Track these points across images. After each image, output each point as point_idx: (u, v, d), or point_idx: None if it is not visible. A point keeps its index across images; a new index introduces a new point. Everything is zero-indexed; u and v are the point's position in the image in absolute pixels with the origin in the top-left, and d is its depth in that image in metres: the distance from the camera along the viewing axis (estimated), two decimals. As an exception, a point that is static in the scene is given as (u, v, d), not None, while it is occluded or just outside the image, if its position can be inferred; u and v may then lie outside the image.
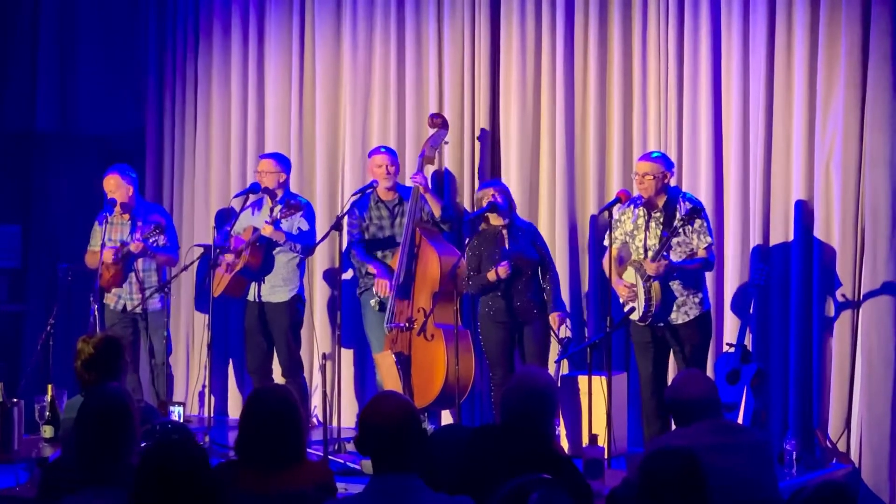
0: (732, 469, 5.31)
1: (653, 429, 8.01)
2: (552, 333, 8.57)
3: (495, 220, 8.52)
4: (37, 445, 7.04)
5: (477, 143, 9.51)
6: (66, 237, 10.20)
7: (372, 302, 9.03)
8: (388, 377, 8.73)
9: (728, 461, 5.29)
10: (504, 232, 8.52)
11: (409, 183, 9.19)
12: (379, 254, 9.03)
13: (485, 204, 8.48)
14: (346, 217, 8.84)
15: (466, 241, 8.67)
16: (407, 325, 8.68)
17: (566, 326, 8.64)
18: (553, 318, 8.52)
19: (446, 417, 9.24)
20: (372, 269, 8.97)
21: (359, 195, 8.93)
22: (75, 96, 10.53)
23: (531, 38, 9.33)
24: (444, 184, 9.54)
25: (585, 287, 9.20)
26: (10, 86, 10.54)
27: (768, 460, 5.63)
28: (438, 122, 9.14)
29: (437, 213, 8.89)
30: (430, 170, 9.31)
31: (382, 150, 9.17)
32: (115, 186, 9.26)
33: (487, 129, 9.47)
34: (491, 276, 8.36)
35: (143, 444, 4.86)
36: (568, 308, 9.01)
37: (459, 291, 8.49)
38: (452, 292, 8.37)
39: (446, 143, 9.21)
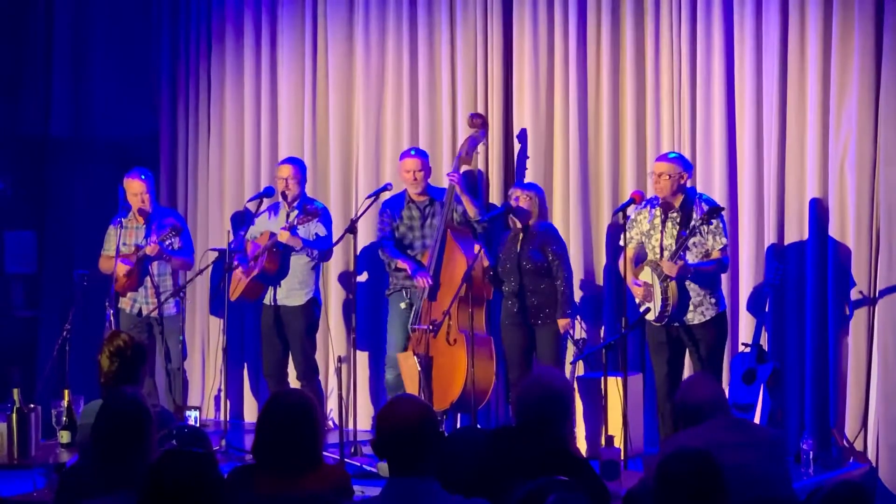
0: (745, 464, 5.31)
1: (669, 429, 7.99)
2: (568, 336, 8.57)
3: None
4: (54, 451, 7.04)
5: (493, 146, 9.48)
6: (81, 242, 10.20)
7: (402, 304, 8.99)
8: (409, 378, 8.69)
9: (741, 457, 5.28)
10: (521, 235, 8.53)
11: (442, 183, 9.16)
12: (409, 253, 8.99)
13: (515, 206, 8.50)
14: (358, 220, 8.79)
15: (478, 245, 8.66)
16: (430, 327, 8.61)
17: (580, 328, 8.62)
18: (560, 324, 8.50)
19: (463, 421, 9.23)
20: (402, 265, 8.87)
21: (373, 198, 8.89)
22: (89, 102, 10.56)
23: (544, 39, 9.32)
24: (477, 184, 9.51)
25: (601, 288, 9.19)
26: (24, 92, 10.57)
27: (781, 455, 5.64)
28: (479, 122, 9.04)
29: (472, 213, 8.85)
30: (464, 170, 9.21)
31: (413, 153, 9.08)
32: (140, 190, 9.27)
33: (501, 130, 9.45)
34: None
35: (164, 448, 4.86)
36: (583, 309, 9.01)
37: (477, 296, 8.46)
38: (473, 296, 8.36)
39: (484, 144, 9.17)
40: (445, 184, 9.01)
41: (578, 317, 8.84)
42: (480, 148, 9.19)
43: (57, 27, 10.54)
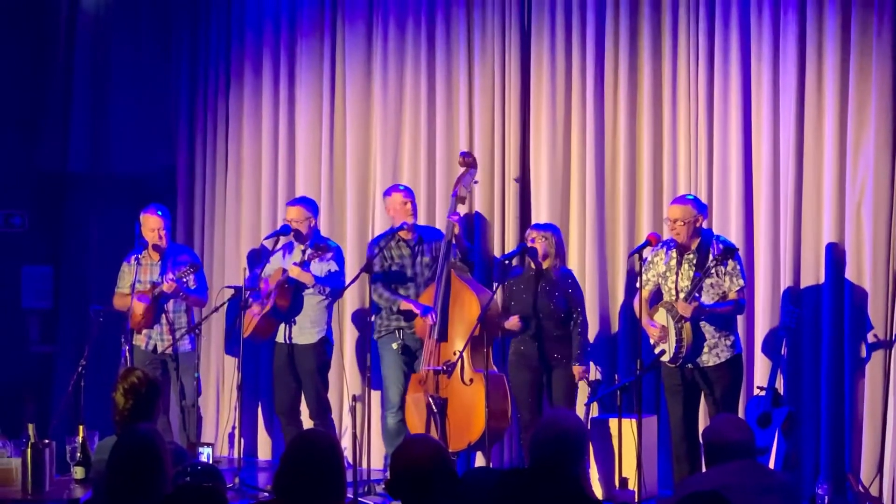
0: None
1: (683, 471, 7.97)
2: (584, 378, 8.54)
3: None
4: (68, 486, 7.03)
5: (509, 187, 9.49)
6: (97, 278, 10.22)
7: (394, 345, 8.96)
8: (418, 419, 8.61)
9: (760, 501, 5.26)
10: (538, 277, 8.50)
11: (437, 225, 9.17)
12: (402, 292, 8.97)
13: (529, 246, 8.48)
14: (374, 259, 8.78)
15: (496, 285, 8.63)
16: (445, 368, 8.55)
17: (594, 370, 8.58)
18: (575, 370, 8.45)
19: (478, 460, 9.20)
20: (406, 305, 8.86)
21: (389, 237, 8.91)
22: (107, 137, 10.61)
23: (561, 82, 9.35)
24: (474, 227, 9.52)
25: (616, 330, 9.18)
26: (43, 128, 10.62)
27: (796, 500, 5.62)
28: (469, 160, 9.09)
29: (460, 253, 8.87)
30: (461, 209, 9.23)
31: (401, 188, 9.12)
32: (157, 225, 9.28)
33: (518, 173, 9.46)
34: (509, 324, 8.39)
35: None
36: (598, 350, 8.99)
37: (490, 335, 8.43)
38: (484, 335, 8.34)
39: (476, 182, 9.17)
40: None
41: (591, 361, 8.79)
42: (473, 187, 9.17)
43: (76, 64, 10.59)
